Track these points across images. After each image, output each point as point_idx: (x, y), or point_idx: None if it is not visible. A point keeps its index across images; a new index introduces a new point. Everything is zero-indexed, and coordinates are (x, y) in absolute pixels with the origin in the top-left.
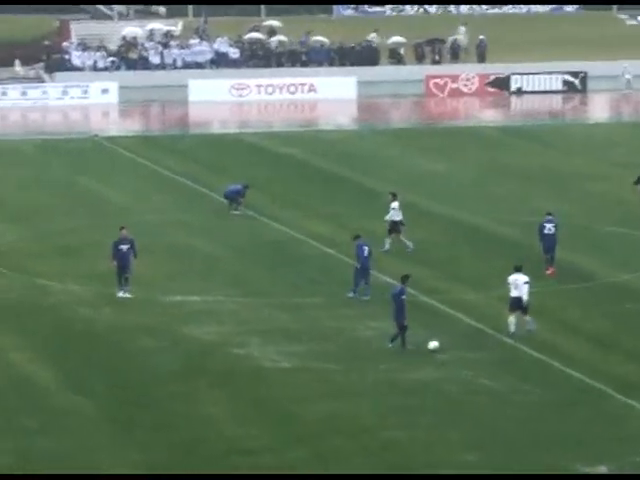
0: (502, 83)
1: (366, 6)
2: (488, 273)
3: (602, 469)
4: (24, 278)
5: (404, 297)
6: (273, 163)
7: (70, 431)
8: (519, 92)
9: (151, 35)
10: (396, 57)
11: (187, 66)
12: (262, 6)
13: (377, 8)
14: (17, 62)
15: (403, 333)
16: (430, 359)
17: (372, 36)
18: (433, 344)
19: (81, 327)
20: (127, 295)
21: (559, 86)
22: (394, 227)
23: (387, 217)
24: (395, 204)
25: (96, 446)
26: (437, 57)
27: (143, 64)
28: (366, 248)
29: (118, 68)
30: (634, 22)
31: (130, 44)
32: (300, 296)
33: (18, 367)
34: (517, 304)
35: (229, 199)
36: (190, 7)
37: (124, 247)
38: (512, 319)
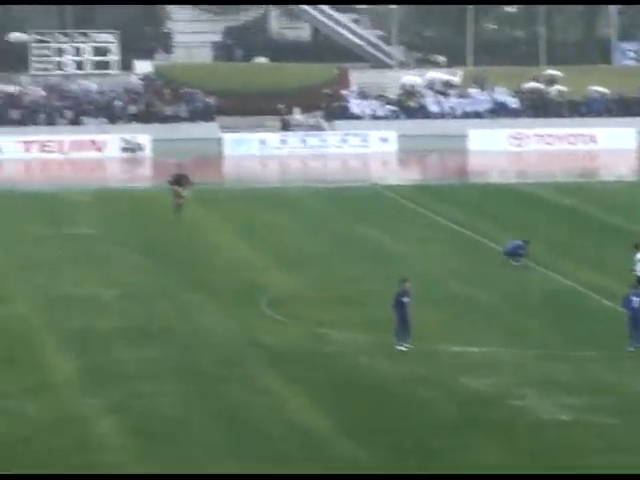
0: None
1: None
2: None
3: None
4: (303, 326)
5: None
6: (551, 213)
7: None
8: None
9: (431, 84)
10: None
11: (466, 115)
12: (541, 55)
13: None
14: (297, 110)
15: None
16: None
17: None
18: None
19: (359, 376)
20: (406, 347)
21: None
22: None
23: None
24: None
25: None
26: None
27: (422, 113)
28: (636, 299)
29: (397, 117)
30: None
31: (409, 93)
32: (579, 349)
33: (297, 415)
34: None
35: (510, 256)
36: (470, 56)
37: (406, 299)
38: None
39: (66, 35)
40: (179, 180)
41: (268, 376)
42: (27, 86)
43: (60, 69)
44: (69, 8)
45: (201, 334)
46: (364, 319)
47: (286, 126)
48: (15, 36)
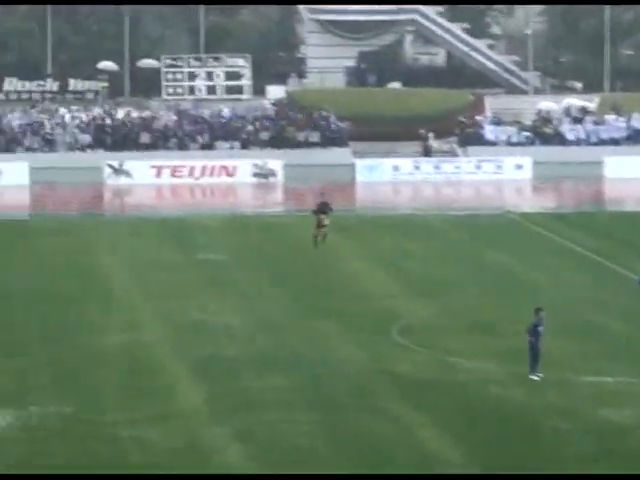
0: None
1: None
2: None
3: None
4: (434, 354)
5: None
6: None
7: None
8: None
9: (567, 110)
10: None
11: (602, 142)
12: None
13: None
14: (431, 135)
15: None
16: None
17: None
18: None
19: (490, 406)
20: (538, 376)
21: None
22: None
23: None
24: None
25: None
26: None
27: (558, 139)
28: None
29: (532, 143)
30: None
31: (545, 119)
32: None
33: (426, 444)
34: None
35: None
36: (606, 82)
37: (541, 329)
38: None
39: (198, 60)
40: (323, 209)
41: (398, 405)
42: (158, 111)
43: (192, 94)
44: (201, 33)
45: (331, 362)
46: (495, 348)
47: (427, 152)
48: (146, 62)
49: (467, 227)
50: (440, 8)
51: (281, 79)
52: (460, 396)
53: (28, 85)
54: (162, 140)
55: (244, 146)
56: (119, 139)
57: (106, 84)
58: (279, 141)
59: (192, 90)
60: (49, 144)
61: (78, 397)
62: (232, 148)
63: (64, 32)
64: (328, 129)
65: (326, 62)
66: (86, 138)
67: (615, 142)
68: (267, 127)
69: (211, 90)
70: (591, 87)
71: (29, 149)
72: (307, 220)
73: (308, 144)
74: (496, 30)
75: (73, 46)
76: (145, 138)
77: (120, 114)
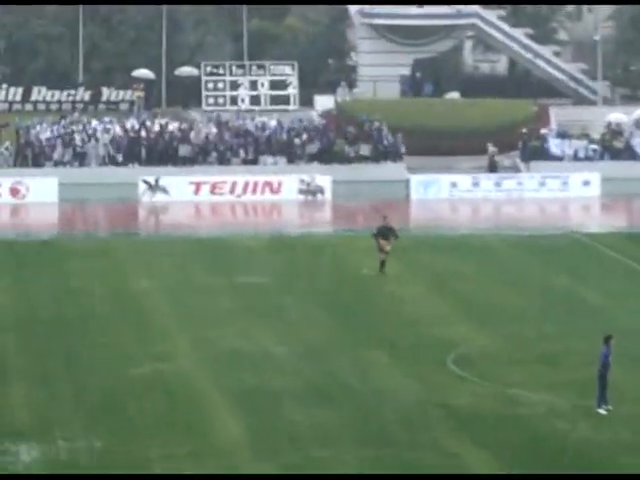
0: None
1: None
2: None
3: None
4: (493, 386)
5: None
6: None
7: None
8: None
9: (638, 122)
10: None
11: None
12: None
13: None
14: (494, 150)
15: None
16: None
17: None
18: None
19: (554, 441)
20: (606, 410)
21: None
22: None
23: None
24: None
25: None
26: None
27: (628, 154)
28: None
29: (601, 158)
30: None
31: (615, 132)
32: None
33: None
34: None
35: None
36: None
37: (610, 359)
38: None
39: (241, 67)
40: (384, 232)
41: (455, 440)
42: (198, 122)
43: (234, 104)
44: (244, 38)
45: (382, 394)
46: (559, 379)
47: (493, 167)
48: (185, 70)
49: (529, 248)
50: (502, 12)
51: (330, 88)
52: (522, 431)
53: (57, 95)
54: (202, 154)
55: (290, 161)
56: (155, 153)
57: (141, 94)
58: (328, 155)
59: (234, 100)
60: (80, 158)
61: (109, 431)
62: (277, 163)
63: (97, 38)
64: (380, 142)
65: (379, 70)
66: (120, 152)
67: None
68: (315, 140)
69: (255, 100)
70: None
71: (58, 163)
72: (357, 241)
73: (359, 159)
74: (562, 36)
75: (106, 53)
76: (183, 152)
77: (156, 126)
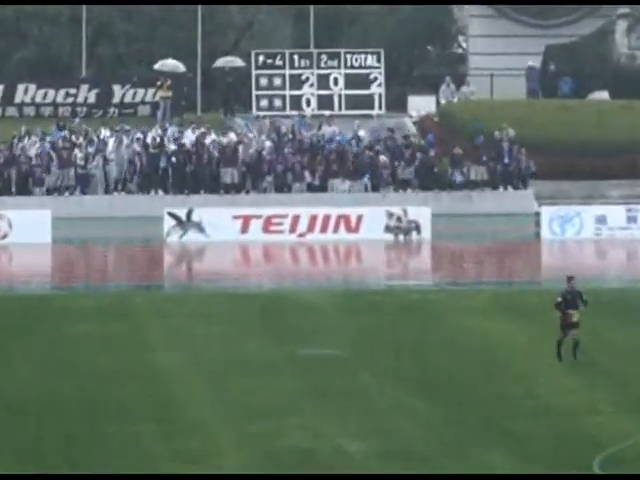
0: None
1: None
2: None
3: None
4: None
5: None
6: None
7: None
8: None
9: None
10: None
11: None
12: None
13: None
14: None
15: None
16: None
17: None
18: None
19: None
20: None
21: None
22: None
23: None
24: None
25: None
26: None
27: None
28: None
29: None
30: None
31: None
32: None
33: None
34: None
35: None
36: None
37: None
38: None
39: (306, 57)
40: (572, 299)
41: None
42: (246, 134)
43: (296, 108)
44: (310, 18)
45: None
46: None
47: None
48: (228, 61)
49: None
50: None
51: (430, 86)
52: None
53: (52, 94)
54: (251, 177)
55: (374, 187)
56: (187, 176)
57: (168, 94)
58: (426, 179)
59: (297, 102)
60: (82, 183)
61: None
62: (355, 190)
63: (106, 17)
64: (500, 161)
65: (497, 61)
66: (137, 174)
67: None
68: (408, 157)
69: (325, 102)
70: None
71: (52, 190)
72: (467, 298)
73: (469, 184)
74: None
75: (119, 37)
76: (226, 175)
77: (189, 138)
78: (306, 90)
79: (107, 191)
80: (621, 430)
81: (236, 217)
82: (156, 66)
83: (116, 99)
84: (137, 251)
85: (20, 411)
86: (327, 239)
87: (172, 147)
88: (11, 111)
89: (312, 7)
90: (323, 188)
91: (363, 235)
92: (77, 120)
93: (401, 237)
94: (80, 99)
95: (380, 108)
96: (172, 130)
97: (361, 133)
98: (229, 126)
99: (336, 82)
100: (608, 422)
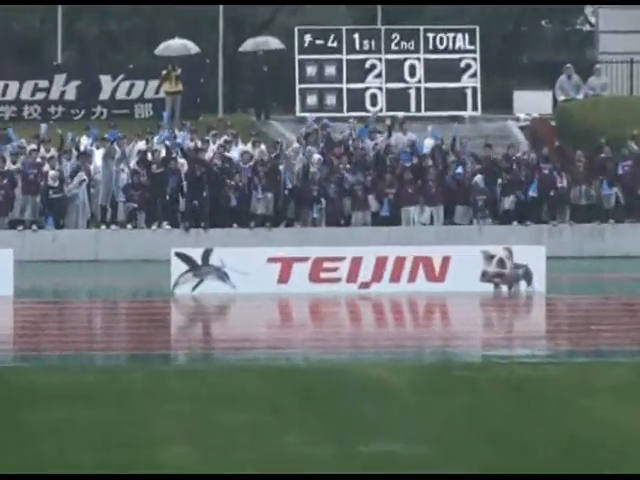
0: None
1: None
2: None
3: None
4: None
5: None
6: None
7: None
8: None
9: None
10: None
11: None
12: None
13: None
14: None
15: None
16: None
17: None
18: None
19: None
20: None
21: None
22: None
23: None
24: None
25: None
26: None
27: None
28: None
29: None
30: None
31: None
32: None
33: None
34: None
35: None
36: None
37: None
38: None
39: (370, 37)
40: None
41: None
42: (288, 145)
43: (357, 107)
44: None
45: None
46: None
47: None
48: (259, 43)
49: None
50: None
51: (544, 78)
52: None
53: (14, 89)
54: (294, 204)
55: (474, 213)
56: (204, 202)
57: (177, 87)
58: (538, 208)
59: (358, 99)
60: (56, 212)
61: None
62: (437, 222)
63: None
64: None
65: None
66: (133, 200)
67: None
68: (513, 178)
69: (397, 100)
70: None
71: (15, 222)
72: (596, 374)
73: (598, 212)
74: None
75: (108, 9)
76: (258, 201)
77: (207, 150)
78: (371, 82)
79: (91, 224)
80: None
81: (272, 260)
82: (158, 50)
83: (104, 95)
84: (134, 308)
85: None
86: (400, 291)
87: (183, 162)
88: None
89: None
90: (395, 219)
91: (450, 285)
92: (46, 124)
93: (504, 288)
94: (54, 95)
95: (475, 108)
96: (183, 138)
97: (433, 142)
98: (263, 133)
99: (413, 72)
100: None
